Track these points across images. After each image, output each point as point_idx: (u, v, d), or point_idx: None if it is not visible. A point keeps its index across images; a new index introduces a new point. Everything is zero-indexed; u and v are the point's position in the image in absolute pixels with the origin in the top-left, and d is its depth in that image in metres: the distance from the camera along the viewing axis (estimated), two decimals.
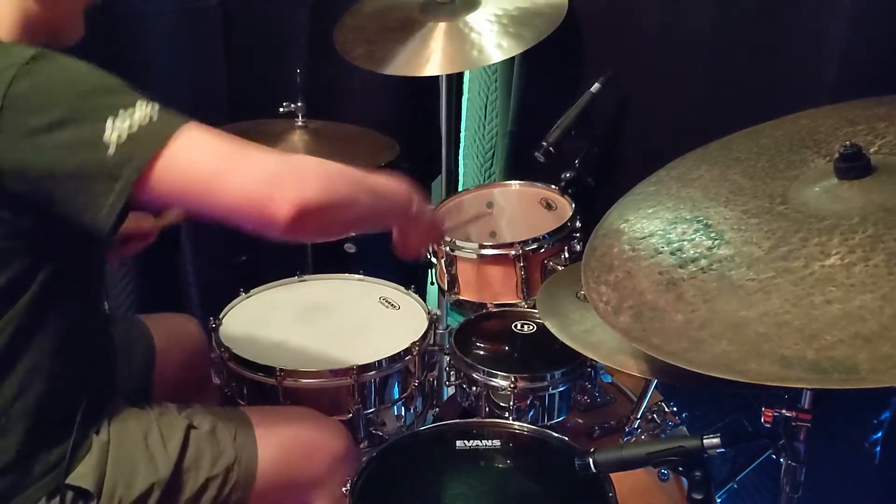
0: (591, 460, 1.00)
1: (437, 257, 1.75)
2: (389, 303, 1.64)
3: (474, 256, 1.66)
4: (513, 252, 1.62)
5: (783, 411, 0.99)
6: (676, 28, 1.70)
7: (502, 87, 2.17)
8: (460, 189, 2.15)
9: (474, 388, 1.44)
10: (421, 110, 2.22)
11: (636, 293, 0.98)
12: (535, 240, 1.62)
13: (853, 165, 0.93)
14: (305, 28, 2.11)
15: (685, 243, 1.00)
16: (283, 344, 1.51)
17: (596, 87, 1.75)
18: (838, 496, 1.60)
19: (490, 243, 1.70)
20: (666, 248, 1.01)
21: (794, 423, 0.99)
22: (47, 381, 1.06)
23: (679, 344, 0.88)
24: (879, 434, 1.47)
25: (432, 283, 1.82)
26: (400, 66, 1.81)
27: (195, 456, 1.16)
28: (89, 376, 1.14)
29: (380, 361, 1.43)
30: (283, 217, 0.92)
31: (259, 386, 1.43)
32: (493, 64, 2.13)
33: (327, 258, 1.92)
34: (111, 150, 0.90)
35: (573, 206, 1.71)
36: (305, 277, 1.76)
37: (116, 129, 0.91)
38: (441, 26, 1.84)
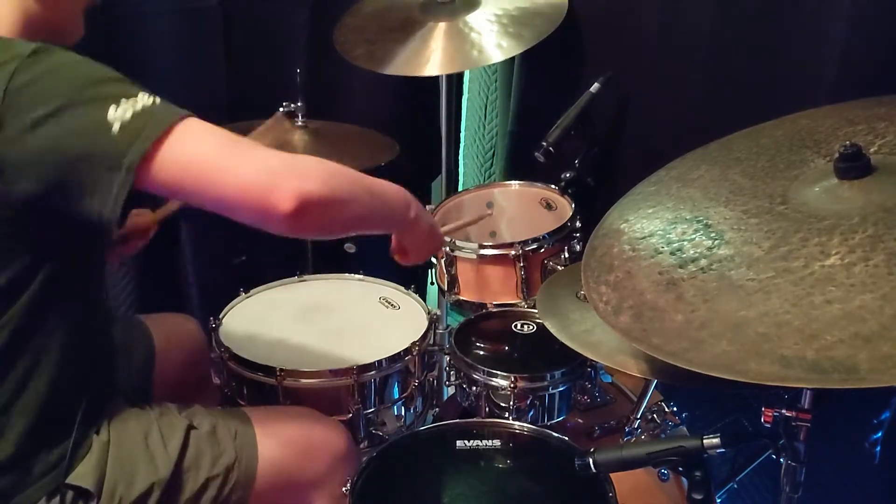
0: (591, 460, 1.00)
1: (437, 257, 1.75)
2: (389, 303, 1.64)
3: (474, 256, 1.66)
4: (513, 252, 1.62)
5: (783, 411, 0.99)
6: (676, 28, 1.70)
7: (502, 87, 2.17)
8: (460, 189, 2.15)
9: (474, 388, 1.44)
10: (421, 110, 2.22)
11: (636, 293, 0.98)
12: (535, 240, 1.62)
13: (853, 165, 0.93)
14: (305, 28, 2.11)
15: (685, 243, 1.00)
16: (283, 344, 1.51)
17: (596, 87, 1.75)
18: (838, 496, 1.60)
19: (490, 243, 1.70)
20: (666, 248, 1.01)
21: (794, 423, 0.99)
22: (47, 381, 1.06)
23: (679, 344, 0.88)
24: (879, 434, 1.47)
25: (432, 283, 1.82)
26: (400, 66, 1.81)
27: (195, 456, 1.16)
28: (89, 376, 1.14)
29: (380, 361, 1.43)
30: (284, 209, 0.92)
31: (259, 386, 1.43)
32: (493, 64, 2.13)
33: (327, 258, 1.92)
34: (115, 129, 0.90)
35: (573, 206, 1.71)
36: (305, 277, 1.76)
37: (121, 110, 0.91)
38: (441, 26, 1.84)
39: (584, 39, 1.90)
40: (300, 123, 1.93)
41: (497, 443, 1.27)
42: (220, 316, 1.58)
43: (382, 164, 1.85)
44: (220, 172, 0.93)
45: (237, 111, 2.06)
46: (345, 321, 1.60)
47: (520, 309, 1.61)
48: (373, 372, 1.43)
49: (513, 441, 1.29)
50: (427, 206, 1.78)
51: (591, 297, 1.03)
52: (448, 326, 1.83)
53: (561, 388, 1.41)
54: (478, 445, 1.26)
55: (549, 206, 1.80)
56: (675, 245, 1.01)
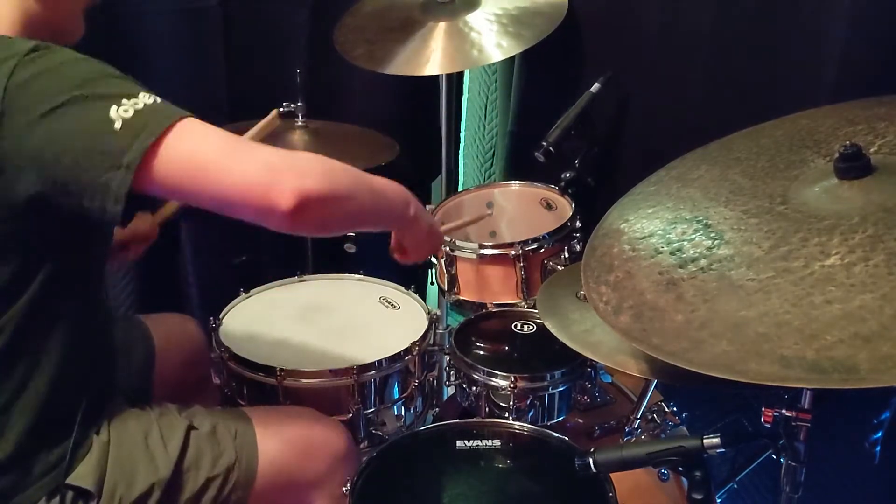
0: (591, 460, 1.00)
1: (437, 257, 1.75)
2: (389, 303, 1.64)
3: (474, 256, 1.66)
4: (513, 252, 1.62)
5: (783, 411, 0.99)
6: (676, 28, 1.70)
7: (502, 87, 2.17)
8: (460, 189, 2.15)
9: (474, 388, 1.44)
10: (421, 110, 2.22)
11: (636, 293, 0.98)
12: (535, 240, 1.62)
13: (853, 165, 0.93)
14: (305, 28, 2.11)
15: (685, 243, 1.00)
16: (283, 344, 1.51)
17: (596, 87, 1.75)
18: (838, 496, 1.60)
19: (490, 243, 1.70)
20: (666, 248, 1.01)
21: (794, 423, 0.99)
22: (48, 381, 1.06)
23: (679, 344, 0.88)
24: (879, 434, 1.47)
25: (432, 283, 1.82)
26: (400, 65, 1.81)
27: (195, 456, 1.16)
28: (90, 376, 1.14)
29: (380, 361, 1.43)
30: (284, 206, 0.92)
31: (259, 386, 1.43)
32: (493, 64, 2.14)
33: (327, 258, 1.92)
34: (117, 125, 0.90)
35: (573, 206, 1.71)
36: (305, 277, 1.76)
37: (122, 109, 0.91)
38: (441, 26, 1.84)
39: (584, 39, 1.90)
40: (300, 123, 1.93)
41: (497, 443, 1.27)
42: (220, 316, 1.58)
43: (382, 164, 1.85)
44: (220, 170, 0.93)
45: (237, 111, 2.06)
46: (345, 321, 1.60)
47: (520, 309, 1.61)
48: (373, 372, 1.43)
49: (513, 441, 1.29)
50: (427, 206, 1.78)
51: (591, 297, 1.03)
52: (448, 326, 1.83)
53: (561, 388, 1.41)
54: (478, 445, 1.26)
55: (549, 206, 1.80)
56: (675, 245, 1.01)
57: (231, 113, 2.06)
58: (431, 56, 1.79)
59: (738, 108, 1.57)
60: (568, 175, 1.77)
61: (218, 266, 2.14)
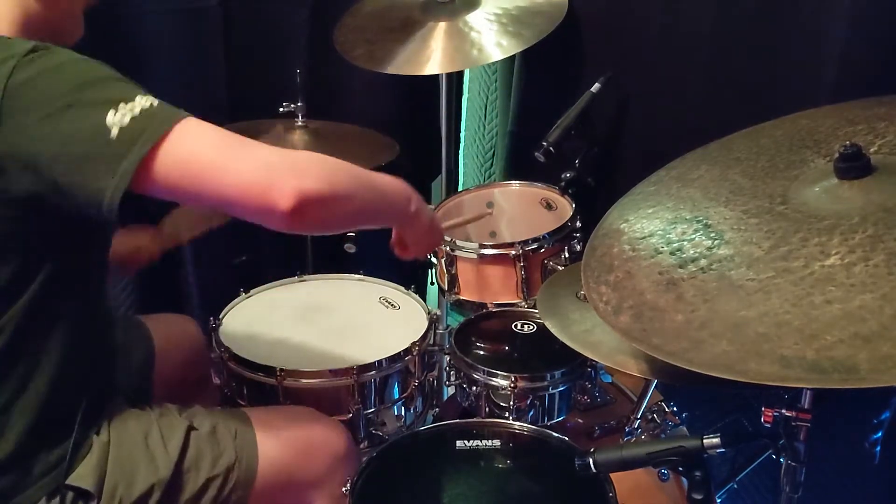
0: (591, 460, 1.00)
1: (437, 257, 1.76)
2: (389, 303, 1.64)
3: (474, 256, 1.66)
4: (513, 252, 1.62)
5: (783, 411, 0.99)
6: (676, 28, 1.70)
7: (502, 87, 2.17)
8: (460, 189, 2.15)
9: (474, 388, 1.44)
10: (421, 110, 2.22)
11: (636, 293, 0.98)
12: (535, 240, 1.62)
13: (853, 165, 0.93)
14: (305, 28, 2.11)
15: (685, 243, 1.00)
16: (283, 344, 1.51)
17: (596, 87, 1.75)
18: (838, 496, 1.60)
19: (490, 243, 1.70)
20: (666, 248, 1.01)
21: (794, 423, 0.99)
22: (48, 381, 1.06)
23: (679, 344, 0.88)
24: (879, 434, 1.47)
25: (432, 283, 1.82)
26: (400, 65, 1.82)
27: (195, 456, 1.16)
28: (90, 376, 1.14)
29: (380, 361, 1.43)
30: (284, 206, 0.92)
31: (259, 386, 1.43)
32: (493, 64, 2.14)
33: (327, 258, 1.92)
34: (114, 133, 0.90)
35: (573, 206, 1.71)
36: (305, 277, 1.76)
37: (119, 114, 0.91)
38: (441, 26, 1.84)
39: (584, 39, 1.90)
40: (300, 123, 1.93)
41: (497, 443, 1.27)
42: (220, 316, 1.58)
43: (382, 164, 1.85)
44: (219, 172, 0.93)
45: (237, 111, 2.06)
46: (345, 321, 1.60)
47: (520, 309, 1.61)
48: (373, 372, 1.43)
49: (513, 441, 1.29)
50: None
51: (591, 297, 1.03)
52: (448, 326, 1.83)
53: (561, 388, 1.41)
54: (478, 445, 1.26)
55: (549, 206, 1.80)
56: (675, 245, 1.01)
57: (231, 113, 2.06)
58: (431, 56, 1.79)
59: (738, 108, 1.57)
60: (568, 175, 1.77)
61: (218, 266, 2.14)
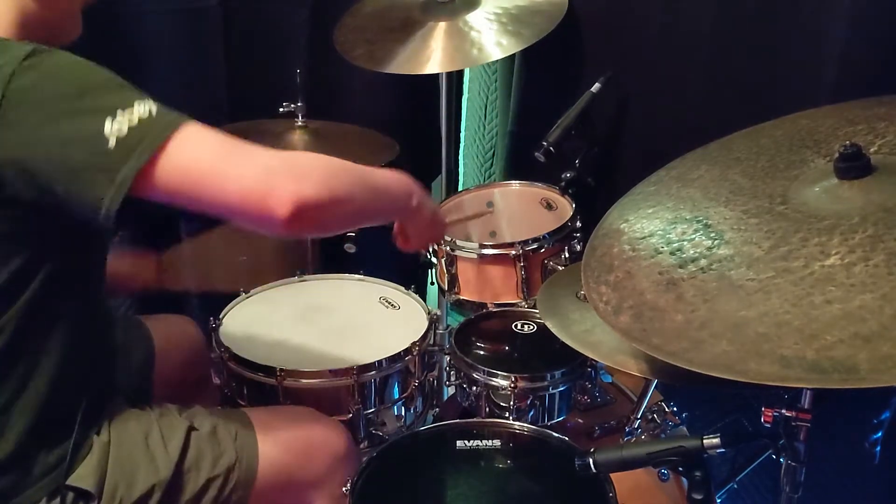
0: (591, 460, 1.00)
1: (437, 257, 1.75)
2: (389, 303, 1.64)
3: (474, 256, 1.66)
4: (513, 252, 1.62)
5: (783, 411, 0.99)
6: (676, 28, 1.70)
7: (502, 87, 2.17)
8: (460, 189, 2.15)
9: (474, 388, 1.44)
10: (421, 110, 2.22)
11: (636, 293, 0.98)
12: (535, 240, 1.62)
13: (853, 165, 0.93)
14: (305, 28, 2.11)
15: (685, 243, 1.00)
16: (283, 344, 1.51)
17: (596, 87, 1.75)
18: (838, 496, 1.60)
19: (490, 243, 1.70)
20: (666, 248, 1.01)
21: (794, 423, 0.99)
22: (47, 381, 1.06)
23: (679, 344, 0.88)
24: (879, 434, 1.47)
25: (432, 283, 1.82)
26: (400, 65, 1.82)
27: (196, 457, 1.16)
28: (90, 376, 1.14)
29: (380, 361, 1.43)
30: (282, 213, 0.92)
31: (259, 386, 1.43)
32: (493, 64, 2.14)
33: (327, 258, 1.92)
34: (112, 144, 0.90)
35: (573, 206, 1.71)
36: (305, 277, 1.76)
37: (117, 123, 0.91)
38: (441, 26, 1.84)
39: (584, 39, 1.90)
40: (300, 123, 1.93)
41: (497, 443, 1.27)
42: (220, 316, 1.58)
43: (382, 165, 1.85)
44: (218, 178, 0.93)
45: (237, 111, 2.06)
46: (345, 321, 1.60)
47: (520, 309, 1.61)
48: (373, 372, 1.43)
49: (513, 441, 1.29)
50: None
51: (591, 297, 1.03)
52: (448, 326, 1.83)
53: (561, 388, 1.41)
54: (478, 445, 1.26)
55: (549, 206, 1.80)
56: (675, 245, 1.01)
57: (231, 113, 2.06)
58: (431, 55, 1.79)
59: (738, 108, 1.57)
60: (568, 175, 1.77)
61: (217, 266, 2.13)
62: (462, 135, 2.36)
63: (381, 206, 1.12)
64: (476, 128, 2.30)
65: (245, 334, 1.53)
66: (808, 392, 0.98)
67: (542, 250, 1.63)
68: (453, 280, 1.70)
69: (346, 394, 1.41)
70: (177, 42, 1.99)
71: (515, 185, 1.87)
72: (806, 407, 0.98)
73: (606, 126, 1.87)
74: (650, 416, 1.38)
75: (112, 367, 1.22)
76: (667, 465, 1.00)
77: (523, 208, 1.85)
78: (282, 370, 1.39)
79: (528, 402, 1.40)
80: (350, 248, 1.79)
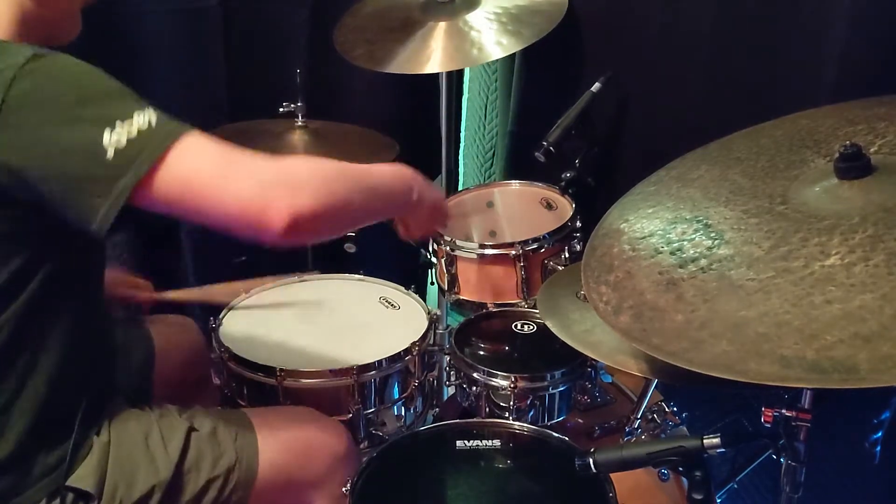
0: (591, 460, 1.00)
1: (437, 257, 1.76)
2: (389, 303, 1.64)
3: (474, 256, 1.66)
4: (513, 252, 1.62)
5: (783, 411, 0.99)
6: (676, 28, 1.70)
7: (502, 87, 2.17)
8: (460, 189, 2.15)
9: (474, 388, 1.44)
10: (421, 110, 2.22)
11: (636, 293, 0.98)
12: (535, 240, 1.62)
13: (853, 165, 0.93)
14: (305, 28, 2.11)
15: (685, 243, 1.00)
16: (283, 344, 1.51)
17: (596, 86, 1.75)
18: (838, 496, 1.60)
19: (490, 243, 1.71)
20: (666, 248, 1.01)
21: (794, 423, 0.99)
22: (47, 381, 1.06)
23: (679, 344, 0.88)
24: (879, 434, 1.47)
25: (432, 283, 1.82)
26: (400, 65, 1.82)
27: (196, 457, 1.16)
28: (89, 376, 1.14)
29: (380, 361, 1.43)
30: (278, 227, 0.93)
31: (259, 386, 1.43)
32: (493, 64, 2.14)
33: (327, 258, 1.92)
34: (110, 155, 0.90)
35: (573, 205, 1.71)
36: (305, 277, 1.76)
37: (116, 134, 0.91)
38: (441, 25, 1.84)
39: (584, 39, 1.90)
40: (300, 123, 1.93)
41: (497, 443, 1.27)
42: (220, 316, 1.58)
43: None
44: (214, 195, 0.94)
45: (237, 111, 2.06)
46: (345, 321, 1.60)
47: (520, 309, 1.61)
48: (373, 372, 1.43)
49: (513, 441, 1.29)
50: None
51: (591, 297, 1.03)
52: (448, 326, 1.83)
53: (561, 388, 1.41)
54: (478, 445, 1.26)
55: (549, 206, 1.80)
56: (675, 245, 1.01)
57: (231, 113, 2.06)
58: (431, 55, 1.79)
59: (738, 108, 1.57)
60: (568, 175, 1.77)
61: (218, 266, 2.14)
62: (462, 135, 2.36)
63: (380, 206, 1.13)
64: (476, 128, 2.30)
65: (245, 334, 1.53)
66: (808, 392, 0.98)
67: (542, 250, 1.63)
68: (453, 280, 1.70)
69: (346, 394, 1.41)
70: (177, 42, 1.99)
71: (515, 184, 1.87)
72: (806, 407, 0.98)
73: (606, 126, 1.87)
74: (650, 416, 1.38)
75: (112, 368, 1.22)
76: (667, 465, 1.00)
77: (523, 208, 1.85)
78: (282, 370, 1.39)
79: (528, 402, 1.40)
80: (350, 248, 1.79)
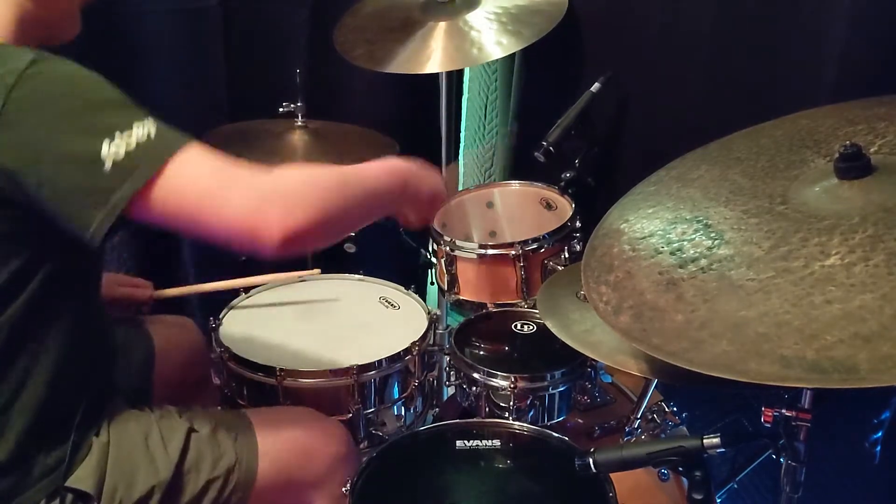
0: (591, 460, 1.00)
1: (437, 257, 1.75)
2: (389, 303, 1.64)
3: (474, 256, 1.66)
4: (513, 252, 1.62)
5: (783, 411, 0.99)
6: (676, 28, 1.70)
7: (502, 87, 2.17)
8: (460, 189, 2.15)
9: (474, 388, 1.44)
10: (421, 110, 2.22)
11: (636, 293, 0.98)
12: (535, 240, 1.62)
13: (853, 165, 0.93)
14: (305, 28, 2.11)
15: (685, 243, 1.00)
16: (283, 344, 1.51)
17: (596, 86, 1.75)
18: (838, 496, 1.60)
19: (490, 243, 1.70)
20: (666, 248, 1.01)
21: (794, 423, 0.99)
22: (46, 381, 1.06)
23: (679, 344, 0.88)
24: (879, 434, 1.47)
25: (432, 283, 1.82)
26: (400, 65, 1.82)
27: (196, 458, 1.16)
28: (89, 377, 1.14)
29: (380, 361, 1.43)
30: (271, 244, 0.94)
31: (259, 386, 1.43)
32: (493, 64, 2.14)
33: (327, 258, 1.92)
34: (107, 167, 0.91)
35: (573, 206, 1.71)
36: (305, 277, 1.76)
37: (115, 146, 0.91)
38: (441, 25, 1.84)
39: (584, 39, 1.90)
40: (300, 123, 1.93)
41: (497, 443, 1.27)
42: (220, 316, 1.58)
43: None
44: (209, 212, 0.94)
45: (237, 111, 2.06)
46: (345, 321, 1.60)
47: (520, 309, 1.61)
48: (373, 372, 1.43)
49: (513, 441, 1.29)
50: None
51: (591, 297, 1.03)
52: (448, 326, 1.83)
53: (561, 388, 1.41)
54: (478, 445, 1.26)
55: (549, 206, 1.80)
56: (675, 245, 1.01)
57: (231, 113, 2.06)
58: (431, 55, 1.79)
59: (738, 108, 1.57)
60: (568, 175, 1.76)
61: (218, 266, 2.14)
62: (462, 135, 2.36)
63: (376, 208, 1.13)
64: (476, 128, 2.30)
65: (245, 334, 1.53)
66: (808, 392, 0.98)
67: (542, 250, 1.63)
68: (453, 280, 1.70)
69: (346, 394, 1.41)
70: (177, 42, 1.99)
71: (515, 184, 1.87)
72: (806, 407, 0.98)
73: (606, 126, 1.87)
74: (650, 416, 1.38)
75: (111, 368, 1.22)
76: (667, 465, 1.00)
77: (523, 208, 1.85)
78: (282, 370, 1.39)
79: (528, 402, 1.40)
80: (350, 248, 1.79)
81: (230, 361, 1.46)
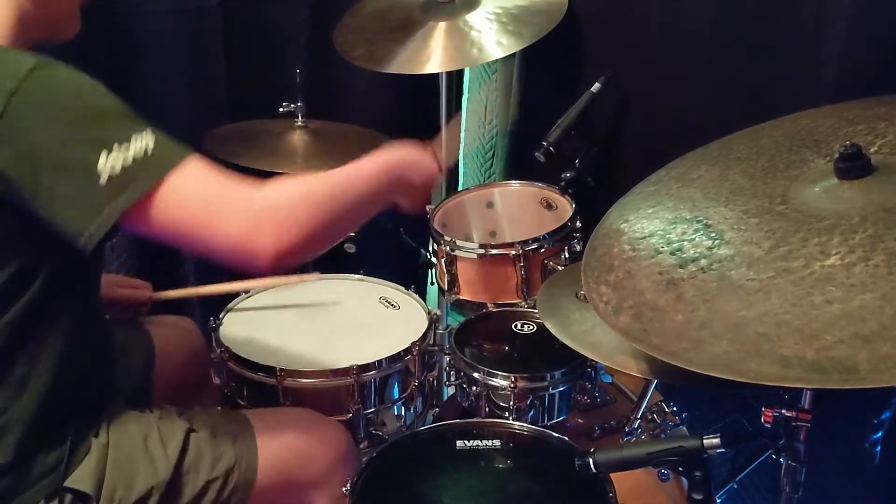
0: (591, 460, 1.00)
1: (437, 257, 1.75)
2: (389, 303, 1.64)
3: (474, 256, 1.66)
4: (513, 252, 1.62)
5: (783, 411, 0.99)
6: (676, 28, 1.70)
7: (502, 87, 2.17)
8: (460, 189, 2.15)
9: (474, 388, 1.44)
10: (421, 110, 2.22)
11: (636, 293, 0.98)
12: (535, 240, 1.62)
13: (853, 165, 0.93)
14: (305, 28, 2.11)
15: (685, 243, 1.00)
16: (283, 344, 1.51)
17: (596, 86, 1.75)
18: (838, 496, 1.60)
19: (490, 243, 1.70)
20: (666, 248, 1.01)
21: (794, 423, 0.99)
22: (46, 381, 1.06)
23: (679, 344, 0.87)
24: (879, 434, 1.47)
25: (432, 283, 1.82)
26: (400, 65, 1.82)
27: (195, 459, 1.16)
28: (89, 377, 1.13)
29: (380, 361, 1.43)
30: (265, 261, 0.96)
31: (259, 386, 1.43)
32: (493, 64, 2.14)
33: (327, 258, 1.92)
34: (103, 180, 0.91)
35: (573, 206, 1.71)
36: (305, 277, 1.75)
37: (111, 159, 0.91)
38: (441, 26, 1.84)
39: (584, 39, 1.90)
40: (300, 123, 1.93)
41: (497, 443, 1.27)
42: (220, 316, 1.58)
43: None
44: (201, 232, 0.95)
45: (237, 111, 2.06)
46: (345, 321, 1.60)
47: (520, 309, 1.61)
48: (373, 372, 1.43)
49: (513, 441, 1.29)
50: (427, 206, 1.78)
51: (591, 297, 1.03)
52: (448, 326, 1.83)
53: (561, 388, 1.41)
54: (478, 445, 1.26)
55: (549, 206, 1.80)
56: (675, 245, 1.01)
57: (231, 113, 2.06)
58: (431, 55, 1.79)
59: (738, 108, 1.57)
60: (568, 175, 1.77)
61: (218, 266, 2.13)
62: (462, 135, 2.36)
63: (369, 209, 1.14)
64: (476, 128, 2.30)
65: (245, 334, 1.53)
66: (808, 392, 0.98)
67: (542, 250, 1.63)
68: (453, 280, 1.70)
69: (346, 394, 1.41)
70: (177, 42, 1.99)
71: (515, 184, 1.87)
72: (806, 407, 0.98)
73: (606, 126, 1.87)
74: (650, 416, 1.38)
75: (111, 369, 1.22)
76: (667, 465, 1.00)
77: (523, 208, 1.85)
78: (282, 370, 1.39)
79: (528, 402, 1.40)
80: (350, 248, 1.79)
81: (230, 361, 1.46)
